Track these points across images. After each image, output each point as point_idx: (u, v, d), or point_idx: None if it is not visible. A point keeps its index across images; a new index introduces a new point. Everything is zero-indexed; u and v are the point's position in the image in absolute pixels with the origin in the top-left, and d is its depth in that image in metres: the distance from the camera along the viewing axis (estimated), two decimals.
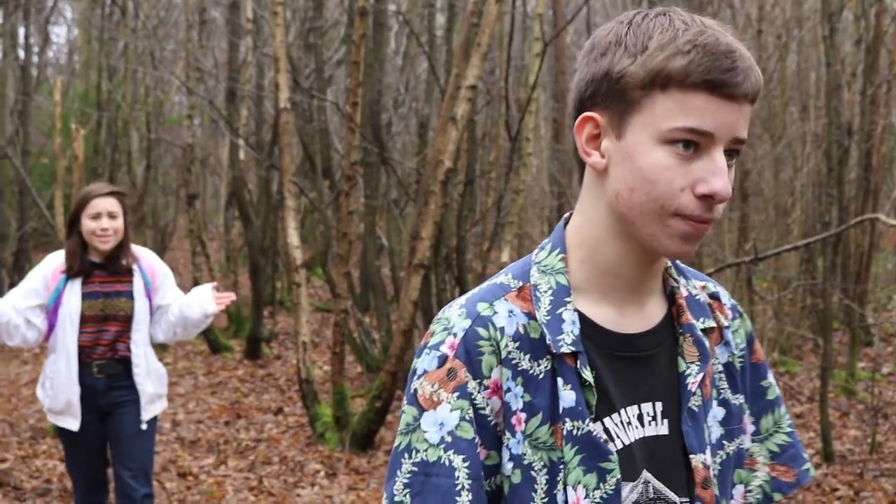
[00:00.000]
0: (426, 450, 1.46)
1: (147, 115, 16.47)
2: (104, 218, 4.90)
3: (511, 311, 1.52)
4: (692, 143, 1.43)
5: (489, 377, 1.47)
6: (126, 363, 4.99)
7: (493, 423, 1.47)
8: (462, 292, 10.64)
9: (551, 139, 17.26)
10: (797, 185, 12.88)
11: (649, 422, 1.54)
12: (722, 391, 1.65)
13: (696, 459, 1.55)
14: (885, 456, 8.24)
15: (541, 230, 18.56)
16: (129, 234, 5.10)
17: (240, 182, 13.05)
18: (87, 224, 4.91)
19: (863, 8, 12.06)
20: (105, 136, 17.15)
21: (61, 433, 5.10)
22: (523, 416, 1.48)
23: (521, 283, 1.56)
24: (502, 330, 1.50)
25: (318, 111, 12.53)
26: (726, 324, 1.70)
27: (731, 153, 1.48)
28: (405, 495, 1.45)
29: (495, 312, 1.51)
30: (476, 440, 1.46)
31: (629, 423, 1.52)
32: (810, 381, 10.89)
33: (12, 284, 13.84)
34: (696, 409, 1.57)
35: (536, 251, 1.61)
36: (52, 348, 4.99)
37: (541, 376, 1.49)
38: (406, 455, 1.47)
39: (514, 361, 1.49)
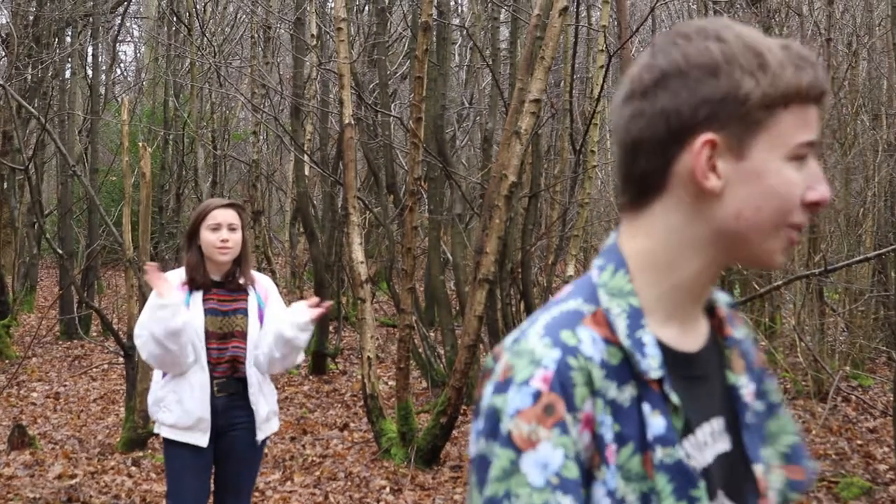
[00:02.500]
0: (530, 494, 1.34)
1: (213, 132, 16.63)
2: (224, 230, 4.78)
3: (594, 339, 1.44)
4: None
5: (582, 410, 1.38)
6: (243, 382, 4.85)
7: (585, 459, 1.38)
8: (527, 307, 10.58)
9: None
10: (868, 194, 12.66)
11: (718, 438, 1.52)
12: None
13: (759, 469, 1.55)
14: None
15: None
16: (249, 249, 5.00)
17: (305, 198, 13.10)
18: (207, 236, 4.78)
19: None
20: (172, 153, 17.36)
21: (175, 452, 4.85)
22: (614, 447, 1.40)
23: (593, 308, 1.48)
24: (591, 359, 1.41)
25: (382, 126, 12.55)
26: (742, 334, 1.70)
27: None
28: None
29: (580, 340, 1.42)
30: (580, 480, 1.36)
31: (705, 443, 1.49)
32: (883, 395, 10.68)
33: (81, 301, 14.00)
34: (752, 420, 1.57)
35: (596, 272, 1.53)
36: None
37: (627, 404, 1.42)
38: (506, 502, 1.36)
39: (603, 391, 1.41)
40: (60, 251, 14.01)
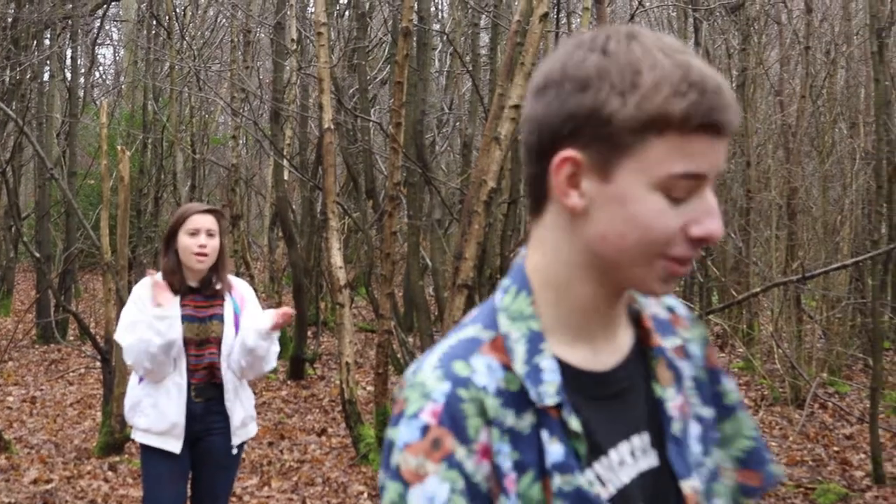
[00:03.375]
0: None
1: (192, 136, 16.61)
2: (202, 235, 4.72)
3: (489, 366, 1.40)
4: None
5: (477, 440, 1.36)
6: (220, 387, 4.80)
7: (485, 489, 1.36)
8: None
9: None
10: (846, 202, 12.73)
11: (641, 455, 1.47)
12: (695, 407, 1.57)
13: (686, 486, 1.48)
14: None
15: None
16: (226, 255, 4.93)
17: (284, 202, 13.08)
18: (185, 241, 4.72)
19: None
20: (151, 156, 17.30)
21: (150, 458, 4.82)
22: (514, 475, 1.37)
23: (492, 334, 1.45)
24: (485, 388, 1.38)
25: (361, 131, 12.54)
26: (687, 336, 1.63)
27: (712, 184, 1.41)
28: None
29: (474, 371, 1.39)
30: None
31: (622, 463, 1.43)
32: (860, 402, 10.73)
33: (58, 305, 13.94)
34: (678, 433, 1.50)
35: (499, 295, 1.49)
36: None
37: (526, 432, 1.38)
38: None
39: (499, 420, 1.37)
40: (37, 254, 13.94)
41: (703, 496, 1.52)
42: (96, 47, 20.97)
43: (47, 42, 17.27)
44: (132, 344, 4.60)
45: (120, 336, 4.68)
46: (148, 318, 4.58)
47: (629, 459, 1.45)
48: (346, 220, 14.81)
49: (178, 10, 17.20)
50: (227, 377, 4.80)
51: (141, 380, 4.78)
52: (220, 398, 4.80)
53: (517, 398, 1.39)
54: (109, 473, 8.21)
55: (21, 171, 19.26)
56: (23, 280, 23.45)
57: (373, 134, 13.93)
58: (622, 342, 1.51)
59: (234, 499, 7.50)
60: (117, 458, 8.59)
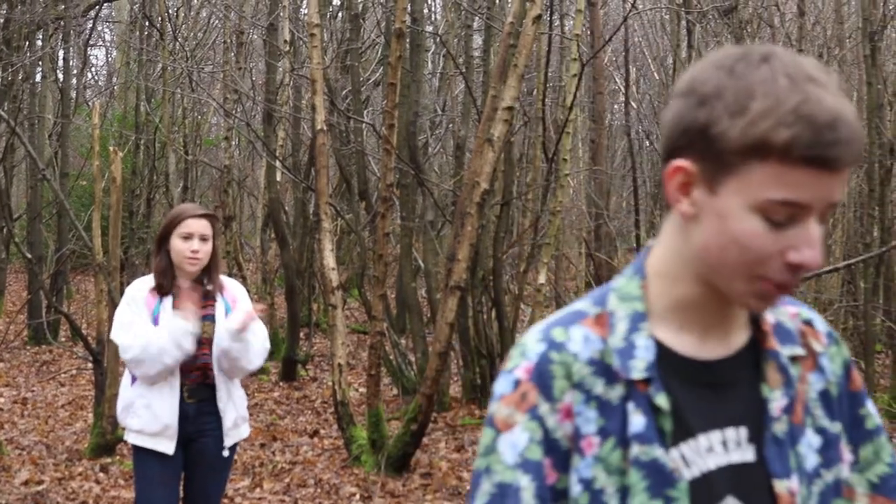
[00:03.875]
0: (503, 471, 1.50)
1: (185, 137, 16.59)
2: (195, 240, 4.71)
3: (586, 337, 1.54)
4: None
5: (561, 400, 1.50)
6: (213, 388, 4.79)
7: (564, 447, 1.50)
8: (499, 315, 10.60)
9: (589, 160, 17.19)
10: (838, 205, 12.73)
11: (735, 448, 1.52)
12: (818, 419, 1.61)
13: (780, 486, 1.52)
14: None
15: (578, 251, 18.48)
16: (219, 257, 4.92)
17: (276, 204, 13.06)
18: (177, 244, 4.71)
19: None
20: (143, 157, 17.30)
21: (142, 459, 4.80)
22: (597, 440, 1.49)
23: (599, 310, 1.58)
24: (576, 355, 1.52)
25: (354, 133, 12.53)
26: (821, 350, 1.66)
27: (823, 215, 1.46)
28: None
29: (570, 338, 1.54)
30: (544, 462, 1.49)
31: (710, 449, 1.51)
32: None
33: (50, 306, 13.92)
34: (780, 434, 1.55)
35: (617, 277, 1.62)
36: None
37: (615, 402, 1.51)
38: (485, 476, 1.52)
39: (587, 386, 1.51)
40: (29, 255, 13.93)
41: (804, 501, 1.55)
42: (88, 48, 20.91)
43: (39, 43, 17.23)
44: (142, 346, 4.57)
45: (117, 335, 4.66)
46: (172, 329, 4.57)
47: (719, 448, 1.51)
48: (339, 221, 14.81)
49: (170, 12, 17.17)
50: (219, 378, 4.79)
51: (133, 381, 4.76)
52: (212, 399, 4.79)
53: (610, 370, 1.52)
54: (101, 475, 8.20)
55: (13, 172, 19.20)
56: (14, 281, 23.39)
57: (366, 135, 13.91)
58: (734, 339, 1.59)
59: (226, 500, 7.49)
60: (109, 460, 8.57)
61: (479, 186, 7.56)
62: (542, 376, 1.51)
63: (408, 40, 10.74)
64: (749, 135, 1.37)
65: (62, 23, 16.86)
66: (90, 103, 21.76)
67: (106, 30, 26.85)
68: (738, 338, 1.59)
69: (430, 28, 15.32)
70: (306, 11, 10.62)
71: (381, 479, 7.94)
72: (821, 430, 1.60)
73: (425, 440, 8.55)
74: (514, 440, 1.50)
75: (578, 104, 15.38)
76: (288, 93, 14.09)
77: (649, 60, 19.49)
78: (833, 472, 1.60)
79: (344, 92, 13.55)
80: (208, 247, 4.76)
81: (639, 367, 1.50)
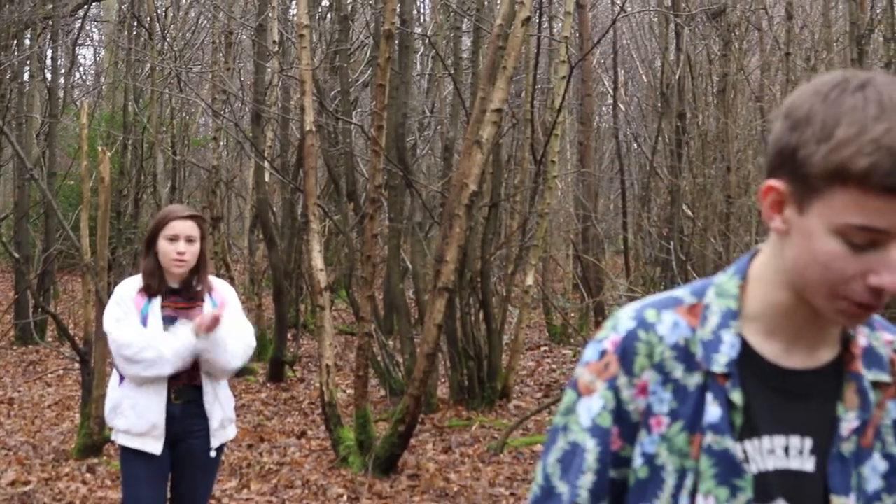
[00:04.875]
0: (578, 431, 1.63)
1: (173, 137, 16.57)
2: (181, 241, 4.70)
3: (676, 323, 1.63)
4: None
5: (640, 377, 1.61)
6: (200, 389, 4.78)
7: (635, 420, 1.61)
8: (486, 316, 10.60)
9: (577, 162, 17.22)
10: None
11: (796, 455, 1.58)
12: (888, 445, 1.65)
13: (838, 501, 1.57)
14: None
15: (566, 253, 18.51)
16: (207, 258, 4.91)
17: (264, 205, 13.05)
18: (164, 246, 4.72)
19: (892, 30, 11.99)
20: (131, 157, 17.26)
21: (131, 460, 4.78)
22: (666, 420, 1.59)
23: (695, 300, 1.67)
24: (662, 338, 1.62)
25: (343, 134, 12.52)
26: None
27: None
28: (556, 468, 1.65)
29: (660, 320, 1.64)
30: (612, 430, 1.61)
31: (772, 452, 1.58)
32: None
33: (37, 306, 13.89)
34: (846, 453, 1.59)
35: (721, 274, 1.70)
36: None
37: (691, 388, 1.59)
38: (562, 433, 1.66)
39: (666, 369, 1.61)
40: (16, 255, 13.90)
41: None
42: (77, 48, 20.88)
43: (27, 42, 17.20)
44: (141, 347, 4.57)
45: (112, 328, 4.66)
46: (179, 344, 4.59)
47: (780, 453, 1.58)
48: (327, 222, 14.80)
49: (159, 11, 17.14)
50: (206, 379, 4.78)
51: (122, 381, 4.75)
52: (199, 400, 4.78)
53: (692, 358, 1.61)
54: (88, 475, 8.18)
55: (0, 172, 19.17)
56: (1, 281, 23.35)
57: (354, 136, 13.91)
58: (822, 355, 1.64)
59: (213, 501, 7.48)
60: (96, 460, 8.56)
61: (468, 188, 7.57)
62: (626, 351, 1.62)
63: (397, 42, 10.75)
64: (831, 161, 1.43)
65: (50, 22, 16.82)
66: (78, 103, 21.72)
67: (94, 29, 26.81)
68: (826, 354, 1.64)
69: (419, 30, 15.33)
70: (295, 12, 10.62)
71: (369, 481, 7.94)
72: (888, 456, 1.64)
73: (413, 441, 8.55)
74: (591, 405, 1.63)
75: (567, 106, 15.40)
76: (277, 93, 14.08)
77: (638, 63, 19.54)
78: (894, 498, 1.64)
79: (333, 93, 13.55)
80: (195, 248, 4.76)
81: (720, 362, 1.58)
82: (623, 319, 1.66)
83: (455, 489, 7.77)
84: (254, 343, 4.94)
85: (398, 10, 9.98)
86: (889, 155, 1.39)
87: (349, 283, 13.17)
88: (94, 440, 8.69)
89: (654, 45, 17.89)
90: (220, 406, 4.85)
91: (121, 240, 17.13)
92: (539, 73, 13.25)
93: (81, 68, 28.49)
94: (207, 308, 4.79)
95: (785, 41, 12.60)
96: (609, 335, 1.66)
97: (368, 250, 8.39)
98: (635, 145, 20.20)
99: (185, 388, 4.75)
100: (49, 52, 18.13)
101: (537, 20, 10.60)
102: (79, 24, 20.05)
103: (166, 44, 16.60)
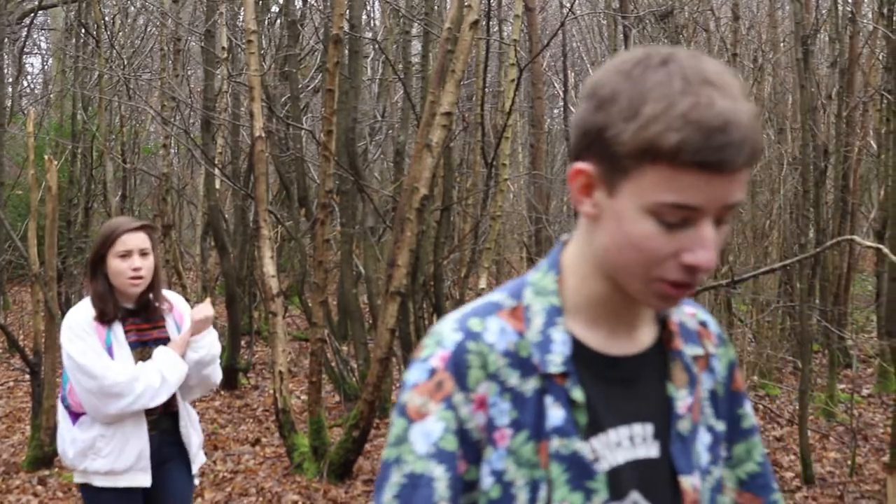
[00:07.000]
0: (414, 461, 1.49)
1: (122, 146, 16.42)
2: (135, 256, 4.30)
3: (503, 329, 1.55)
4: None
5: (475, 391, 1.50)
6: (175, 416, 4.47)
7: (476, 438, 1.50)
8: (440, 319, 10.60)
9: (529, 165, 17.25)
10: (774, 207, 12.90)
11: (640, 443, 1.55)
12: (708, 417, 1.65)
13: (686, 482, 1.56)
14: (865, 478, 8.21)
15: (519, 256, 18.54)
16: (160, 271, 4.49)
17: (216, 212, 12.99)
18: (116, 264, 4.29)
19: (837, 31, 12.13)
20: (80, 166, 17.08)
21: (105, 499, 4.38)
22: (509, 432, 1.50)
23: (515, 303, 1.59)
24: (492, 346, 1.53)
25: (293, 140, 12.49)
26: (713, 351, 1.71)
27: (722, 216, 1.46)
28: None
29: (486, 328, 1.54)
30: (457, 452, 1.49)
31: (619, 444, 1.53)
32: (790, 404, 10.87)
33: None
34: (684, 432, 1.58)
35: (532, 271, 1.64)
36: None
37: (529, 394, 1.51)
38: (396, 466, 1.50)
39: (501, 378, 1.51)
40: None
41: (704, 497, 1.59)
42: (24, 56, 20.68)
43: None
44: (129, 380, 4.22)
45: (87, 361, 4.22)
46: (171, 371, 4.31)
47: (626, 443, 1.54)
48: (279, 228, 14.74)
49: (106, 19, 17.01)
50: (181, 404, 4.52)
51: (75, 420, 4.39)
52: (174, 429, 4.50)
53: (525, 363, 1.53)
54: (39, 487, 8.10)
55: None
56: None
57: (305, 142, 13.88)
58: (643, 337, 1.62)
59: None
60: (47, 472, 8.47)
61: (419, 192, 7.57)
62: (458, 366, 1.51)
63: (346, 46, 10.73)
64: (640, 139, 1.39)
65: None
66: (25, 111, 21.51)
67: (41, 38, 26.56)
68: (646, 336, 1.62)
69: (368, 34, 15.31)
70: (243, 18, 10.56)
71: (324, 487, 7.92)
72: (710, 429, 1.64)
73: (367, 447, 8.54)
74: (428, 430, 1.49)
75: (517, 109, 15.44)
76: (226, 100, 14.00)
77: (588, 65, 19.62)
78: (718, 468, 1.64)
79: (283, 98, 13.49)
80: (150, 261, 4.38)
81: (556, 362, 1.52)
82: (447, 333, 1.55)
83: None
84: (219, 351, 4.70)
85: (347, 14, 9.97)
86: (698, 130, 1.36)
87: (302, 289, 13.15)
88: (45, 451, 8.60)
89: (603, 48, 17.99)
90: (194, 430, 4.60)
91: (71, 249, 16.96)
92: (489, 77, 13.27)
93: (29, 77, 28.21)
94: (170, 326, 4.50)
95: (732, 42, 12.69)
96: (435, 352, 1.54)
97: (320, 256, 8.37)
98: None
99: (162, 417, 4.45)
100: None
101: (486, 23, 10.61)
102: (25, 33, 19.88)
103: (114, 51, 16.46)
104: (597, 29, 18.76)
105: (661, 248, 1.43)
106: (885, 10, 9.58)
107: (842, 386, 11.34)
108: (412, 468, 1.48)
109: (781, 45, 14.76)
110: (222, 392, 12.32)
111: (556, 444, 1.49)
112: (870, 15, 13.54)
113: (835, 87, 12.36)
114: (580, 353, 1.55)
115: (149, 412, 4.38)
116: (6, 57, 17.61)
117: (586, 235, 1.56)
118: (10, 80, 18.96)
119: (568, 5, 11.43)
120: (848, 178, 12.75)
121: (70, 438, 4.38)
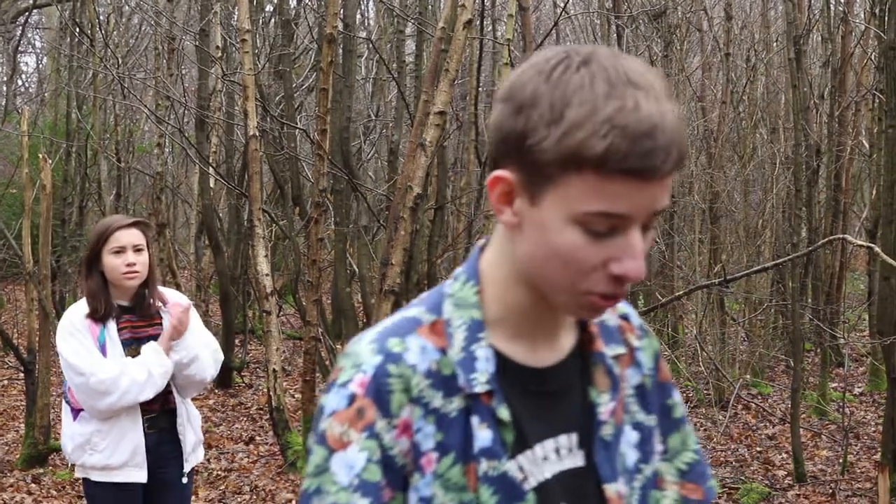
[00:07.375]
0: (336, 492, 1.39)
1: (117, 144, 16.41)
2: (129, 252, 4.33)
3: (423, 348, 1.45)
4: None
5: (399, 416, 1.41)
6: (173, 413, 4.49)
7: (400, 464, 1.41)
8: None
9: None
10: (767, 206, 12.94)
11: (566, 454, 1.50)
12: (635, 414, 1.60)
13: (610, 489, 1.52)
14: (856, 476, 8.25)
15: None
16: (155, 268, 4.53)
17: (210, 210, 12.99)
18: (111, 261, 4.33)
19: (829, 30, 12.17)
20: (75, 165, 17.09)
21: (102, 497, 4.44)
22: (434, 455, 1.42)
23: (434, 317, 1.50)
24: (414, 367, 1.43)
25: (287, 139, 12.50)
26: (636, 344, 1.66)
27: (648, 222, 1.39)
28: None
29: (407, 349, 1.45)
30: (382, 482, 1.40)
31: (545, 459, 1.47)
32: (782, 403, 10.91)
33: None
34: (608, 438, 1.53)
35: (450, 282, 1.54)
36: None
37: (453, 415, 1.43)
38: (317, 497, 1.41)
39: (425, 400, 1.43)
40: None
41: (631, 501, 1.55)
42: (18, 55, 20.67)
43: None
44: (114, 378, 4.24)
45: (78, 359, 4.26)
46: (155, 368, 4.30)
47: (553, 456, 1.48)
48: (273, 227, 14.76)
49: (101, 18, 17.00)
50: (179, 401, 4.53)
51: (76, 415, 4.44)
52: (172, 427, 4.51)
53: (448, 382, 1.44)
54: (33, 486, 8.12)
55: None
56: None
57: (299, 141, 13.89)
58: (563, 343, 1.55)
59: None
60: (41, 470, 8.49)
61: (412, 191, 7.59)
62: (379, 391, 1.41)
63: (340, 46, 10.75)
64: (563, 146, 1.30)
65: None
66: (20, 110, 21.50)
67: (36, 37, 26.54)
68: (566, 342, 1.55)
69: (362, 33, 15.33)
70: (237, 17, 10.57)
71: None
72: (637, 425, 1.60)
73: None
74: (350, 460, 1.40)
75: None
76: (221, 99, 14.00)
77: None
78: (651, 465, 1.60)
79: (277, 98, 13.51)
80: (144, 257, 4.40)
81: (481, 381, 1.44)
82: (365, 355, 1.44)
83: None
84: (220, 352, 4.70)
85: (341, 14, 9.99)
86: (624, 136, 1.27)
87: (296, 288, 13.15)
88: (40, 450, 8.63)
89: None
90: (191, 428, 4.59)
91: (65, 248, 16.97)
92: (483, 76, 13.30)
93: (23, 75, 28.20)
94: (167, 323, 4.46)
95: (725, 42, 12.74)
96: (354, 377, 1.43)
97: (314, 254, 8.40)
98: None
99: (160, 415, 4.47)
100: None
101: (480, 23, 10.63)
102: (20, 32, 19.88)
103: (109, 50, 16.46)
104: (590, 29, 18.78)
105: (588, 259, 1.36)
106: (876, 10, 9.59)
107: (834, 384, 11.38)
108: (335, 499, 1.39)
109: (774, 44, 14.80)
110: (216, 390, 12.34)
111: (484, 466, 1.42)
112: (862, 15, 13.58)
113: (827, 86, 12.40)
114: (504, 368, 1.47)
115: (146, 410, 4.40)
116: (1, 56, 17.59)
117: (507, 243, 1.47)
118: (5, 78, 18.98)
119: (561, 5, 11.46)
120: (840, 177, 12.79)
121: (70, 433, 4.44)
